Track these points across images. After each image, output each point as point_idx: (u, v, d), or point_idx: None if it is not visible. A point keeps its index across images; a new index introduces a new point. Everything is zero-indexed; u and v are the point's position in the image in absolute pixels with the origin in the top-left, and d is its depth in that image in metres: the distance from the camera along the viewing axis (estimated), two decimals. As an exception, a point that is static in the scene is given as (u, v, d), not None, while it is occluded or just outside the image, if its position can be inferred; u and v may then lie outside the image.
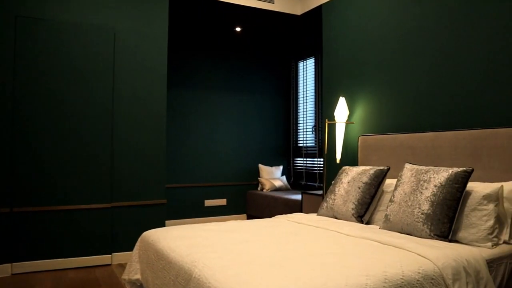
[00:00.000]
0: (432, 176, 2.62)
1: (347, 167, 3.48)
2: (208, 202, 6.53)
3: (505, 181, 2.66)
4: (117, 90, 4.18)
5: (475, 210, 2.47)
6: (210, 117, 6.53)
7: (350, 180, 3.23)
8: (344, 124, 4.22)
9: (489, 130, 2.79)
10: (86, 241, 4.00)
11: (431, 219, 2.46)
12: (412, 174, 2.77)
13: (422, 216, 2.51)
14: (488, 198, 2.45)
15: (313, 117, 6.58)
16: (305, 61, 6.82)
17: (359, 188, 3.10)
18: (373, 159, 3.74)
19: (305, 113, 6.83)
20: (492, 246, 2.38)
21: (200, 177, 6.45)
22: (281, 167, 7.00)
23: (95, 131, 4.05)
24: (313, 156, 6.59)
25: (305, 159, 6.80)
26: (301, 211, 5.28)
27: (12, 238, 3.72)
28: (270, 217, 6.07)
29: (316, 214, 3.45)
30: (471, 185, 2.59)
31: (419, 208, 2.54)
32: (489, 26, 2.95)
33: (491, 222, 2.41)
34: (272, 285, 1.63)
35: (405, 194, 2.69)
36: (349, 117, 4.23)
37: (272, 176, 6.81)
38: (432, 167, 2.71)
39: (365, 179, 3.12)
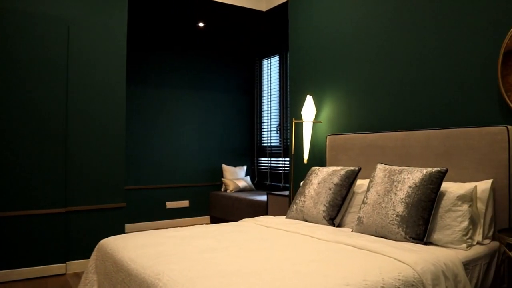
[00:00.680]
0: (406, 176, 2.54)
1: (317, 167, 3.37)
2: (170, 204, 6.29)
3: (476, 180, 2.63)
4: (72, 87, 3.89)
5: (449, 211, 2.42)
6: (171, 116, 6.28)
7: (320, 181, 3.12)
8: (312, 123, 4.12)
9: (461, 130, 2.75)
10: (38, 249, 3.68)
11: (406, 221, 2.38)
12: (385, 174, 2.69)
13: (397, 218, 2.42)
14: (462, 198, 2.40)
15: (278, 116, 6.47)
16: (269, 59, 6.70)
17: (330, 189, 3.00)
18: (342, 159, 3.65)
19: (269, 112, 6.71)
20: (467, 247, 2.33)
21: (161, 178, 6.20)
22: (245, 167, 6.85)
23: (47, 131, 3.74)
24: (277, 156, 6.48)
25: (269, 159, 6.69)
26: (267, 213, 5.15)
27: (-48, 248, 3.38)
28: (234, 219, 5.94)
29: (285, 216, 3.32)
30: (444, 186, 2.54)
31: (394, 210, 2.46)
32: (458, 25, 2.92)
33: (465, 223, 2.35)
34: (247, 300, 1.47)
35: (379, 195, 2.60)
36: (317, 116, 4.14)
37: (236, 177, 6.65)
38: (405, 167, 2.64)
39: (336, 180, 3.02)
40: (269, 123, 6.72)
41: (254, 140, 7.07)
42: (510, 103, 2.58)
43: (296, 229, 2.75)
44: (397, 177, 2.59)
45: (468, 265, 2.21)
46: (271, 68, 6.65)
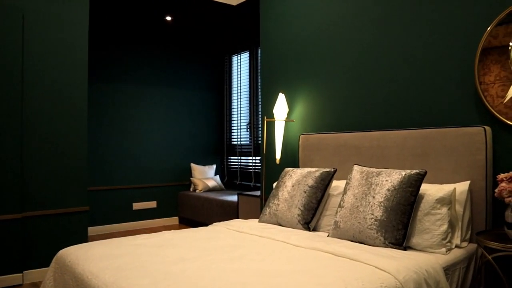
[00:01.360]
0: (384, 179, 2.46)
1: (290, 168, 3.25)
2: (137, 205, 6.05)
3: (454, 182, 2.58)
4: (28, 82, 3.61)
5: (428, 214, 2.34)
6: (137, 114, 6.03)
7: (295, 183, 3.00)
8: (284, 122, 4.01)
9: (438, 130, 2.69)
10: (-10, 258, 3.41)
11: (385, 226, 2.29)
12: (362, 177, 2.59)
13: (375, 223, 2.33)
14: (441, 201, 2.33)
15: (248, 114, 6.33)
16: (239, 55, 6.54)
17: (305, 192, 2.88)
18: (316, 159, 3.55)
19: (239, 109, 6.56)
20: (446, 251, 2.27)
21: (127, 178, 5.94)
22: (214, 166, 6.68)
23: (0, 130, 3.46)
24: (248, 154, 6.35)
25: (239, 157, 6.54)
26: (237, 214, 5.02)
27: None
28: (204, 220, 5.77)
29: (257, 220, 3.18)
30: (422, 188, 2.47)
31: (372, 214, 2.37)
32: (435, 24, 2.86)
33: (445, 227, 2.29)
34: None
35: (356, 199, 2.51)
36: (289, 114, 4.02)
37: (205, 176, 6.47)
38: (383, 169, 2.55)
39: (310, 182, 2.91)
40: (239, 121, 6.57)
41: (224, 138, 6.91)
42: (487, 103, 2.54)
43: (270, 234, 2.62)
44: (375, 179, 2.50)
45: (448, 270, 2.15)
46: (241, 64, 6.50)
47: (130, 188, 5.98)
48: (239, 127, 6.57)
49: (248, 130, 6.28)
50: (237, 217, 4.97)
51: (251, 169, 6.27)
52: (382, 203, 2.36)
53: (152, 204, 6.19)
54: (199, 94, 6.68)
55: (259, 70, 5.89)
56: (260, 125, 5.47)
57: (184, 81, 6.51)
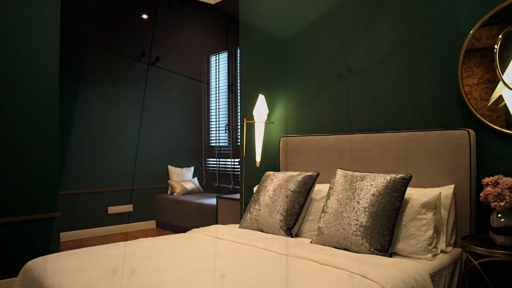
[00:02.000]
0: (368, 184, 2.39)
1: (271, 172, 3.17)
2: (112, 209, 5.85)
3: (438, 185, 2.53)
4: (-6, 82, 3.41)
5: (413, 219, 2.29)
6: (112, 115, 5.83)
7: (276, 188, 2.91)
8: (264, 124, 3.92)
9: (421, 133, 2.64)
10: (-47, 269, 3.20)
11: (371, 232, 2.23)
12: (346, 181, 2.52)
13: (360, 229, 2.26)
14: (426, 206, 2.29)
15: (226, 115, 6.22)
16: (217, 55, 6.43)
17: (287, 196, 2.80)
18: (297, 162, 3.47)
19: (217, 110, 6.45)
20: (432, 257, 2.22)
21: (102, 181, 5.74)
22: (192, 168, 6.54)
23: (-36, 133, 3.26)
24: (226, 156, 6.24)
25: (218, 159, 6.43)
26: (216, 218, 4.90)
27: None
28: (182, 224, 5.62)
29: (238, 225, 3.08)
30: (407, 192, 2.41)
31: (357, 219, 2.30)
32: (418, 26, 2.82)
33: (430, 232, 2.24)
34: None
35: (340, 204, 2.44)
36: (269, 116, 3.94)
37: (183, 178, 6.33)
38: (368, 174, 2.49)
39: (293, 186, 2.83)
40: (217, 122, 6.46)
41: (202, 139, 6.78)
42: (470, 106, 2.51)
43: (252, 241, 2.52)
44: (359, 184, 2.44)
45: (434, 276, 2.11)
46: (219, 64, 6.38)
47: (105, 192, 5.78)
48: (217, 129, 6.45)
49: (227, 131, 6.17)
50: (216, 221, 4.86)
51: (230, 171, 6.16)
52: (367, 209, 2.29)
53: (129, 207, 6.00)
54: (177, 95, 6.53)
55: (238, 71, 5.78)
56: (239, 127, 5.37)
57: (161, 81, 6.35)
